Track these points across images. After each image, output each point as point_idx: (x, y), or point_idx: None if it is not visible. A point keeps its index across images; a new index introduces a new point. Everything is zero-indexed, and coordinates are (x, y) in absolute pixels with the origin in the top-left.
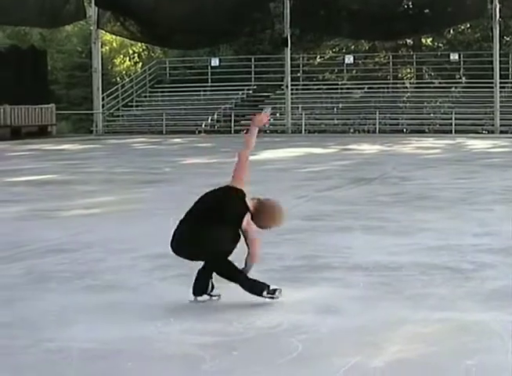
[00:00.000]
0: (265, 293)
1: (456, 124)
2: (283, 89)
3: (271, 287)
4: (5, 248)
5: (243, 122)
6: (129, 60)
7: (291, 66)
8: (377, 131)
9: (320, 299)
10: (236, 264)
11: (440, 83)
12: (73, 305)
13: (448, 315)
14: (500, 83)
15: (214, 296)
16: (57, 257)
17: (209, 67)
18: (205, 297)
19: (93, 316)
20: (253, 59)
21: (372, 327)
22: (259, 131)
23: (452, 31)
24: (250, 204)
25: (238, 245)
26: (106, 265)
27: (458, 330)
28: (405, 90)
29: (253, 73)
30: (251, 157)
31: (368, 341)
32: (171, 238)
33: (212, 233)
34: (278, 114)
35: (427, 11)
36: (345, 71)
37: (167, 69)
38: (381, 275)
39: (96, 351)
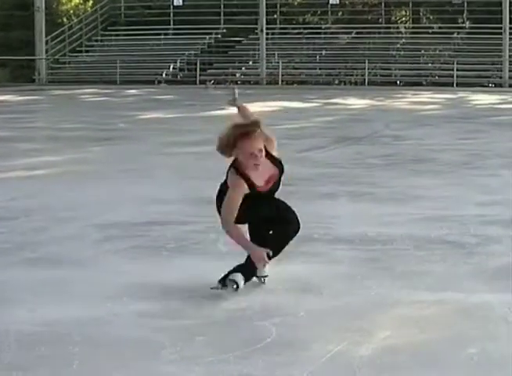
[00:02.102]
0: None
1: (458, 76)
2: (256, 33)
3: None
4: None
5: (209, 71)
6: None
7: (266, 7)
8: (366, 83)
9: (298, 277)
10: None
11: (440, 28)
12: (11, 281)
13: (448, 296)
14: (510, 29)
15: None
16: None
17: (171, 7)
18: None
19: (34, 295)
20: None
21: (358, 309)
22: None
23: None
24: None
25: None
26: (49, 235)
27: (458, 314)
28: (400, 36)
29: (222, 14)
30: (216, 112)
31: (353, 326)
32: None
33: None
34: (251, 62)
35: None
36: (330, 13)
37: (122, 8)
38: (370, 249)
39: (38, 334)
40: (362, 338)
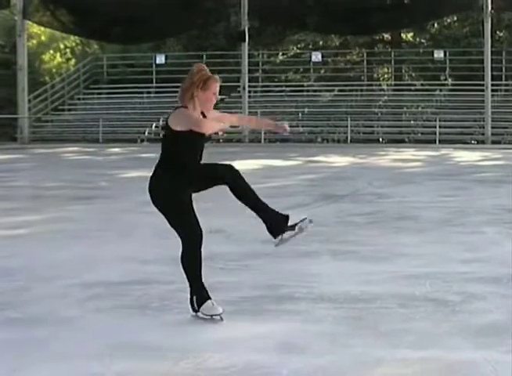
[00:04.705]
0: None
1: (440, 133)
2: (239, 91)
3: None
4: None
5: None
6: (60, 56)
7: (249, 65)
8: (349, 140)
9: (282, 335)
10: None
11: (422, 85)
12: None
13: (431, 354)
14: (492, 85)
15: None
16: None
17: (153, 65)
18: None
19: (16, 355)
20: (204, 56)
21: (341, 368)
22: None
23: (436, 25)
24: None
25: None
26: (30, 294)
27: (441, 372)
28: (382, 93)
29: None
30: None
31: None
32: None
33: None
34: None
35: (407, 1)
36: (312, 71)
37: (105, 67)
38: (353, 307)
39: None
40: None
